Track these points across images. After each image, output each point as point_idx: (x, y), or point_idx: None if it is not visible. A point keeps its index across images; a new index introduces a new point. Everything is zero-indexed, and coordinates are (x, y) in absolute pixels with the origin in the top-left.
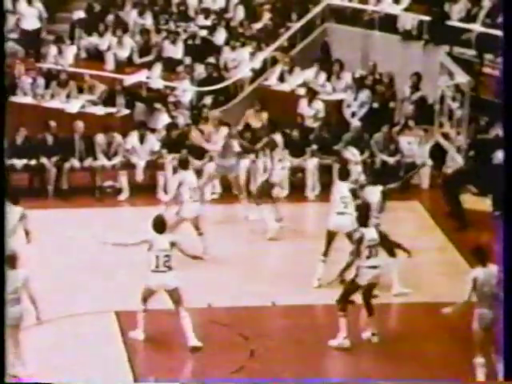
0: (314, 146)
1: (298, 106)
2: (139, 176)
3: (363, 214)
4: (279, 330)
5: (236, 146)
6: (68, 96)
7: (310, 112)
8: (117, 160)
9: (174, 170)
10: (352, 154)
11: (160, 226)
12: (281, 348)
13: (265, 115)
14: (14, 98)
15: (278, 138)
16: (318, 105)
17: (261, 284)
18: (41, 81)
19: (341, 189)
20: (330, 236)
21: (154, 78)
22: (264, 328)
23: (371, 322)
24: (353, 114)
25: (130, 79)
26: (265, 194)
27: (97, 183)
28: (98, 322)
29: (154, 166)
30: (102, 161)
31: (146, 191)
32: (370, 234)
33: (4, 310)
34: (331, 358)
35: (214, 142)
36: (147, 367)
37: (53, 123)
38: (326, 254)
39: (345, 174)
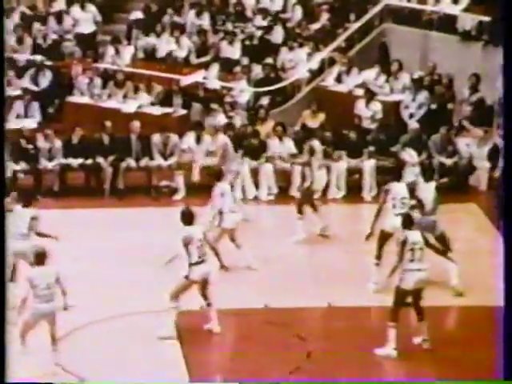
0: (372, 148)
1: (355, 106)
2: (195, 176)
3: (409, 216)
4: (336, 332)
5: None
6: (125, 96)
7: (368, 113)
8: (173, 160)
9: None
10: (409, 155)
11: (191, 217)
12: (337, 349)
13: (322, 116)
14: (70, 98)
15: (315, 144)
16: (376, 106)
17: (317, 285)
18: (98, 81)
19: (400, 190)
20: (385, 237)
21: (211, 78)
22: (320, 329)
23: (422, 327)
24: (411, 115)
25: (186, 79)
26: (306, 202)
27: (153, 183)
28: (153, 321)
29: (209, 167)
30: (159, 161)
31: (201, 191)
32: (414, 236)
33: (4, 310)
34: (387, 361)
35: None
36: (203, 367)
37: (108, 123)
38: (379, 256)
39: (399, 175)
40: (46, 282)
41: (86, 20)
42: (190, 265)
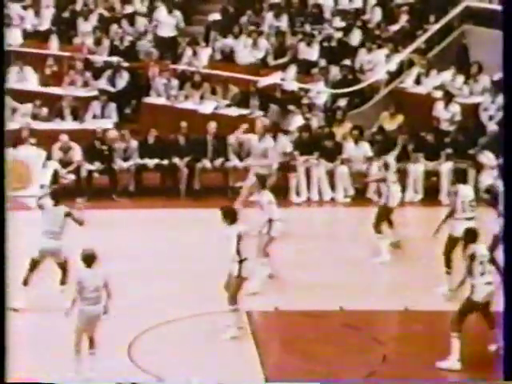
0: (449, 150)
1: (433, 108)
2: (271, 177)
3: (473, 231)
4: (412, 336)
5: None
6: (201, 97)
7: (446, 115)
8: (249, 161)
9: (306, 172)
10: (488, 158)
11: (235, 215)
12: (414, 353)
13: (400, 118)
14: (147, 99)
15: (390, 160)
16: (455, 108)
17: (393, 288)
18: (174, 82)
19: (467, 192)
20: (453, 242)
21: (289, 79)
22: (397, 333)
23: (495, 334)
24: (490, 118)
25: (264, 81)
26: (383, 219)
27: (229, 184)
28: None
29: (286, 168)
30: (235, 161)
31: (277, 192)
32: (482, 250)
33: (4, 310)
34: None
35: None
36: (279, 368)
37: (184, 124)
38: (448, 264)
39: (465, 177)
40: (94, 284)
41: (169, 24)
42: (241, 262)
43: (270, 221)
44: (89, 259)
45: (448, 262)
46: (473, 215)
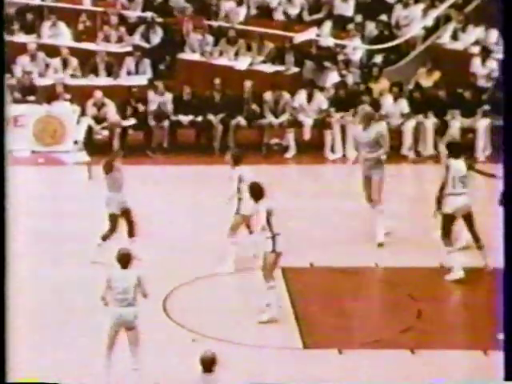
0: (486, 107)
1: (470, 65)
2: (306, 134)
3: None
4: (448, 292)
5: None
6: (236, 53)
7: (483, 71)
8: (284, 118)
9: (342, 129)
10: None
11: (261, 192)
12: (449, 310)
13: (437, 74)
14: (181, 55)
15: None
16: (492, 64)
17: (428, 245)
18: (209, 38)
19: (459, 167)
20: (449, 220)
21: (324, 35)
22: (432, 289)
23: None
24: None
25: (299, 37)
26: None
27: (264, 141)
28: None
29: (321, 125)
30: (270, 119)
31: (312, 149)
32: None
33: (5, 310)
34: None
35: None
36: (314, 324)
37: (218, 80)
38: (449, 242)
39: (459, 150)
40: (123, 285)
41: None
42: (273, 237)
43: (240, 199)
44: (123, 260)
45: (448, 241)
46: (464, 191)
